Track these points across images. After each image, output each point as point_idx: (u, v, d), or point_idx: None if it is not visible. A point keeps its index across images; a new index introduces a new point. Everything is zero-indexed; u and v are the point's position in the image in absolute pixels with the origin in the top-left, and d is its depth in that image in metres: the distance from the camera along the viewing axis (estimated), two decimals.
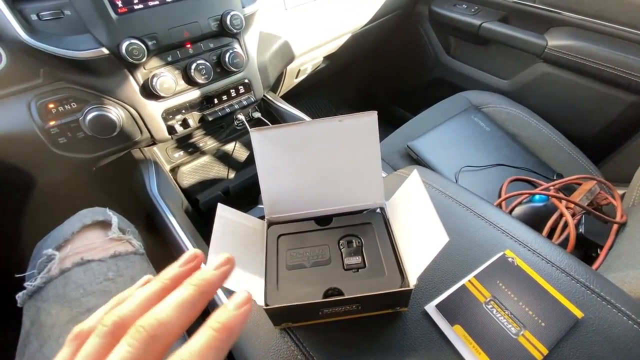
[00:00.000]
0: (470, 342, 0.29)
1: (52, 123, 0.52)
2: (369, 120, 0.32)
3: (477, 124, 0.82)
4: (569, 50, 0.81)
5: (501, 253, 0.36)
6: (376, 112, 0.31)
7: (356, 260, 0.30)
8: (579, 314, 0.31)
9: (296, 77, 0.92)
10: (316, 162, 0.33)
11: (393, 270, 0.29)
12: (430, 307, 0.32)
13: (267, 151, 0.32)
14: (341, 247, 0.31)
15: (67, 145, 0.54)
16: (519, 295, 0.32)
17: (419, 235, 0.28)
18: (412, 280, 0.27)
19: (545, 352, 0.29)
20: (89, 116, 0.52)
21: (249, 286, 0.28)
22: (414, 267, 0.27)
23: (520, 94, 0.93)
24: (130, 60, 0.50)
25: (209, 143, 0.75)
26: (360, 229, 0.33)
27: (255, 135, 0.31)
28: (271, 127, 0.31)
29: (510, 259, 0.35)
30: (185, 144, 0.72)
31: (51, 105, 0.52)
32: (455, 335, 0.30)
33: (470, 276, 0.34)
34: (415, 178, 0.31)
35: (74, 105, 0.53)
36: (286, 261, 0.31)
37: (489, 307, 0.32)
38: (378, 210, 0.35)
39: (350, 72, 1.30)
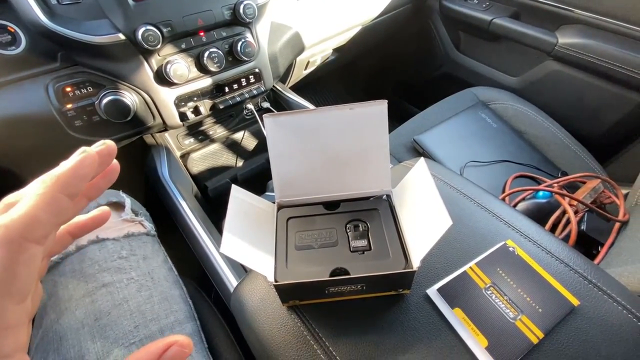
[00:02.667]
0: (469, 324, 0.31)
1: (69, 106, 0.54)
2: (379, 108, 0.33)
3: (484, 120, 0.83)
4: (579, 49, 0.81)
5: (502, 242, 0.37)
6: (386, 101, 0.32)
7: (362, 243, 0.31)
8: (575, 301, 0.32)
9: (305, 69, 0.93)
10: (326, 148, 0.34)
11: (397, 254, 0.30)
12: (432, 291, 0.33)
13: (279, 136, 0.33)
14: (348, 230, 0.33)
15: (82, 128, 0.55)
16: (518, 283, 0.33)
17: (423, 220, 0.29)
18: (416, 262, 0.29)
19: (541, 336, 0.30)
20: (105, 100, 0.53)
21: (259, 263, 0.29)
22: (418, 250, 0.29)
23: (528, 91, 0.93)
24: (146, 46, 0.52)
25: (219, 131, 0.77)
26: (367, 214, 0.34)
27: (268, 120, 0.33)
28: (283, 113, 0.32)
29: (511, 249, 0.36)
30: (196, 132, 0.74)
31: (68, 89, 0.53)
32: (455, 317, 0.31)
33: (472, 263, 0.35)
34: (422, 166, 0.32)
35: (90, 89, 0.54)
36: (295, 242, 0.32)
37: (489, 292, 0.33)
38: (384, 197, 0.36)
39: (359, 65, 1.30)
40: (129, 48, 0.53)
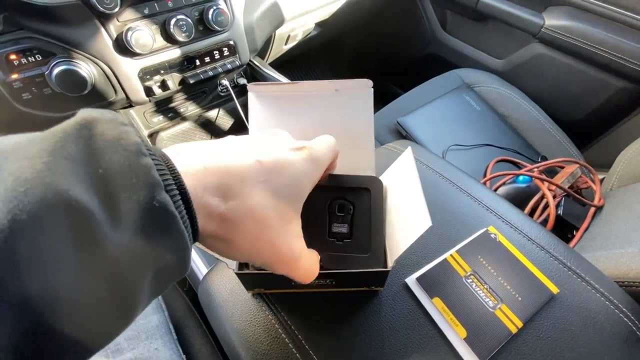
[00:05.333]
0: (448, 315, 0.29)
1: (14, 76, 0.47)
2: (364, 89, 0.30)
3: (468, 102, 0.81)
4: (565, 31, 0.80)
5: (484, 229, 0.36)
6: (371, 82, 0.29)
7: (343, 229, 0.27)
8: (554, 289, 0.32)
9: (285, 44, 0.88)
10: (307, 127, 0.31)
11: (378, 250, 0.26)
12: (411, 280, 0.32)
13: (260, 110, 0.30)
14: (330, 210, 0.27)
15: (32, 101, 0.49)
16: (499, 271, 0.32)
17: (402, 216, 0.27)
18: (390, 262, 0.26)
19: (520, 325, 0.29)
20: (56, 70, 0.48)
21: None
22: (394, 249, 0.27)
23: (513, 74, 0.92)
24: (101, 9, 0.46)
25: (191, 109, 0.71)
26: (356, 195, 0.28)
27: (252, 94, 0.29)
28: (267, 83, 0.29)
29: (492, 235, 0.35)
30: (165, 109, 0.68)
31: (13, 57, 0.47)
32: (434, 307, 0.30)
33: (452, 251, 0.34)
34: (408, 156, 0.29)
35: (38, 57, 0.48)
36: None
37: (469, 281, 0.32)
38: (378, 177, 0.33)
39: (343, 42, 1.25)
40: (82, 11, 0.46)
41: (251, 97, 0.30)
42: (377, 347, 0.28)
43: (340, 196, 0.28)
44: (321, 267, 0.25)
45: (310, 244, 0.25)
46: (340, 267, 0.25)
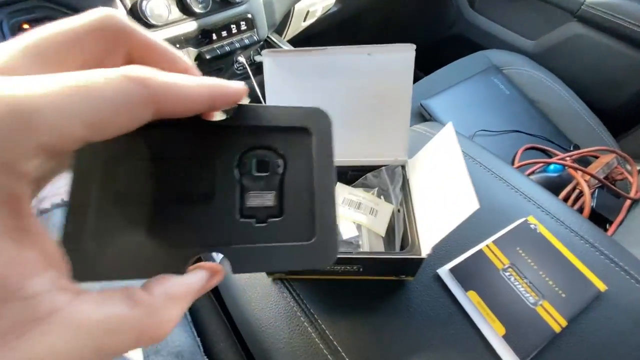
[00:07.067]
0: (484, 309, 0.27)
1: None
2: (404, 56, 0.27)
3: (496, 86, 0.76)
4: (608, 9, 0.73)
5: (523, 219, 0.33)
6: (414, 46, 0.26)
7: (267, 200, 0.15)
8: (601, 286, 0.29)
9: (304, 20, 0.84)
10: (332, 100, 0.28)
11: (328, 233, 0.14)
12: (444, 271, 0.30)
13: (278, 80, 0.27)
14: (242, 170, 0.15)
15: None
16: (540, 264, 0.30)
17: (442, 199, 0.24)
18: (426, 249, 0.24)
19: (565, 324, 0.27)
20: None
21: None
22: (431, 234, 0.24)
23: (545, 56, 0.86)
24: None
25: None
26: (288, 140, 0.16)
27: (267, 58, 0.27)
28: (287, 50, 0.26)
29: (532, 226, 0.32)
30: None
31: (26, 26, 0.45)
32: (469, 301, 0.28)
33: (489, 241, 0.31)
34: (449, 133, 0.26)
35: None
36: (113, 190, 0.14)
37: (507, 274, 0.29)
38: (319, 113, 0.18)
39: (362, 21, 1.19)
40: None
41: (267, 64, 0.27)
42: (405, 342, 0.27)
43: (258, 144, 0.15)
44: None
45: (204, 234, 0.14)
46: (257, 268, 0.14)
